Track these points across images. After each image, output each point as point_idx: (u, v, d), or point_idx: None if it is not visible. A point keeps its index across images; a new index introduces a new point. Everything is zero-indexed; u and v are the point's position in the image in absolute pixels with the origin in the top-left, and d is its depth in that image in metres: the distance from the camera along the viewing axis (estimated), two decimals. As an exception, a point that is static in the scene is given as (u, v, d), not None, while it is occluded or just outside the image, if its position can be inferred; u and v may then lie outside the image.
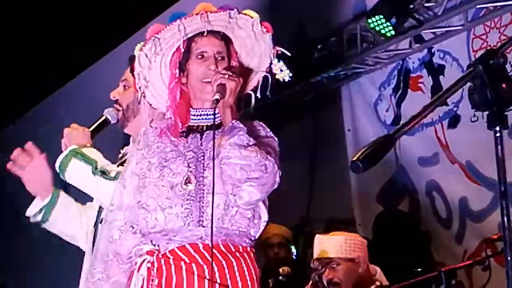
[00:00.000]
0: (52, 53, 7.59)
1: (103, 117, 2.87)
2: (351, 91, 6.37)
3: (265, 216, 2.39)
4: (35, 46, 7.69)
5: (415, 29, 5.54)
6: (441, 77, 5.58)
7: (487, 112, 1.65)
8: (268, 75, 2.52)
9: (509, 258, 1.57)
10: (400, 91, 5.94)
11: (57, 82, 8.57)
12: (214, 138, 2.29)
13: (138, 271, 2.30)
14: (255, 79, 2.55)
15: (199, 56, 2.43)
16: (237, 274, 2.28)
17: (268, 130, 2.44)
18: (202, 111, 2.45)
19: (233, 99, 2.34)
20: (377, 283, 3.88)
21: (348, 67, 6.21)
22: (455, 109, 5.41)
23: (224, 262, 2.28)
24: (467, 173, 5.29)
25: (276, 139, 2.42)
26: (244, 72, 2.49)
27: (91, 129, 2.84)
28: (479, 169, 5.21)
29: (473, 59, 5.22)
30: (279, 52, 2.50)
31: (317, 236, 4.00)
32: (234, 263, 2.29)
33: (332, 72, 6.32)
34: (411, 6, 5.34)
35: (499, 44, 5.18)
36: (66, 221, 2.92)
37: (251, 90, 2.53)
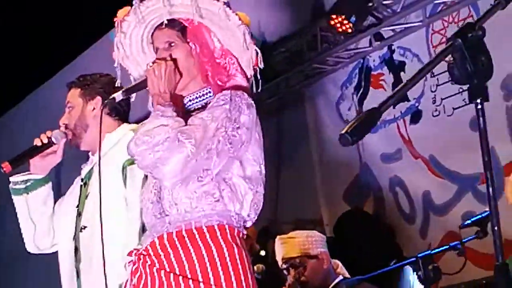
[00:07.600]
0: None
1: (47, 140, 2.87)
2: (313, 92, 6.40)
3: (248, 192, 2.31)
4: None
5: (375, 27, 5.60)
6: (402, 73, 5.64)
7: (467, 86, 1.66)
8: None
9: (496, 228, 1.59)
10: (361, 90, 5.99)
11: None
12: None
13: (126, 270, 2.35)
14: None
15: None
16: (193, 255, 2.21)
17: (224, 97, 2.32)
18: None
19: (160, 87, 2.32)
20: (341, 276, 3.96)
21: (309, 68, 6.23)
22: (416, 104, 5.48)
23: (180, 248, 2.22)
24: (430, 167, 5.35)
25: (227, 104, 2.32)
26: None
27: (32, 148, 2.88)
28: (442, 162, 5.27)
29: (433, 54, 5.28)
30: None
31: (278, 237, 4.02)
32: (190, 245, 2.22)
33: (294, 73, 6.35)
34: (370, 4, 5.39)
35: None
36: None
37: None
